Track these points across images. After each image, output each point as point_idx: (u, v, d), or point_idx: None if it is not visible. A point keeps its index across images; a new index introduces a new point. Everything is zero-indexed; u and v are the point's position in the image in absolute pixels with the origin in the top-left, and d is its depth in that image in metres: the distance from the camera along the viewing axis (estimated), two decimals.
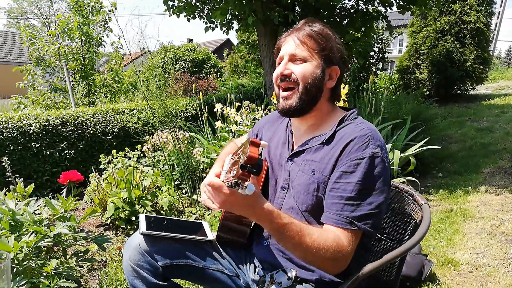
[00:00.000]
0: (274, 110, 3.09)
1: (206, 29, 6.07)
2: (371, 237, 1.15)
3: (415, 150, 3.89)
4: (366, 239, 1.13)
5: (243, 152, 0.88)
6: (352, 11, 5.59)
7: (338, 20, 5.51)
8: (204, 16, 5.98)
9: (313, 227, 1.07)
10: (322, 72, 1.19)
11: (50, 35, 7.52)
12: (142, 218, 1.37)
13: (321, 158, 1.16)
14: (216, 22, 6.03)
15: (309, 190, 1.16)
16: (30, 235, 1.65)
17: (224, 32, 6.26)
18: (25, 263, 1.64)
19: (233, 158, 0.94)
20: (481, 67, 9.30)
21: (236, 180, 0.86)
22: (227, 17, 5.49)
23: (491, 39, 10.50)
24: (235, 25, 6.23)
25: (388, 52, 10.29)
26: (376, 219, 1.07)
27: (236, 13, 5.04)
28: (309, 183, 1.16)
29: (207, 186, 0.99)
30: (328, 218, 1.08)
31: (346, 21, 5.49)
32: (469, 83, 9.75)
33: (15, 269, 1.59)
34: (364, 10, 5.57)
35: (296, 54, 1.19)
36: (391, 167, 3.53)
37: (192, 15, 5.99)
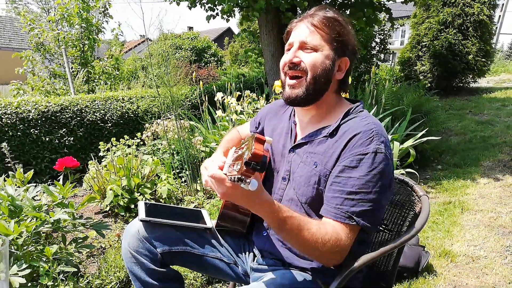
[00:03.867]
0: (275, 99, 3.08)
1: (208, 18, 6.01)
2: (370, 233, 1.14)
3: (414, 141, 3.89)
4: (365, 233, 1.12)
5: (247, 148, 0.87)
6: (354, 0, 5.53)
7: (341, 9, 5.46)
8: (204, 4, 5.92)
9: (313, 220, 1.06)
10: (332, 63, 1.15)
11: (49, 21, 7.43)
12: (141, 205, 1.37)
13: (324, 151, 1.14)
14: (217, 10, 5.97)
15: (310, 182, 1.15)
16: (29, 221, 1.65)
17: (225, 20, 6.19)
18: (24, 248, 1.65)
19: (237, 151, 0.93)
20: (483, 60, 9.26)
21: (239, 176, 0.85)
22: (231, 4, 5.43)
23: (494, 32, 10.43)
24: (237, 13, 6.16)
25: (390, 44, 10.22)
26: (376, 216, 1.06)
27: (239, 0, 4.98)
28: (311, 175, 1.15)
29: (210, 177, 0.98)
30: (328, 212, 1.08)
31: (349, 10, 5.44)
32: (470, 76, 9.72)
33: (14, 254, 1.60)
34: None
35: (307, 42, 1.14)
36: None
37: (193, 3, 5.92)
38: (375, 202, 1.05)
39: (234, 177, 0.87)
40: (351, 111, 1.19)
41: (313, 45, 1.14)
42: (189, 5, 5.95)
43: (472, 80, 10.01)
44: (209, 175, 0.97)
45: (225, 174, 0.94)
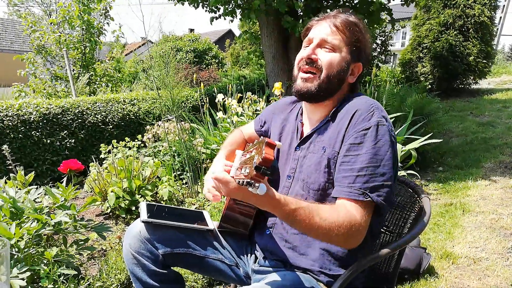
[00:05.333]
0: (274, 101, 3.07)
1: (212, 19, 6.02)
2: (383, 213, 1.11)
3: (417, 145, 3.88)
4: (376, 217, 1.10)
5: (257, 153, 0.86)
6: (356, 2, 5.53)
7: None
8: (207, 5, 5.93)
9: (323, 206, 1.04)
10: (347, 65, 1.18)
11: (51, 23, 7.45)
12: (143, 206, 1.37)
13: (330, 135, 1.16)
14: (219, 11, 5.98)
15: (320, 168, 1.15)
16: (31, 223, 1.66)
17: (228, 21, 6.21)
18: (25, 250, 1.65)
19: (245, 154, 0.93)
20: (484, 61, 9.25)
21: (248, 180, 0.85)
22: (230, 5, 5.44)
23: (495, 33, 10.43)
24: (238, 15, 6.18)
25: (391, 45, 10.23)
26: (389, 192, 1.05)
27: (239, 1, 4.99)
28: (320, 160, 1.16)
29: (213, 179, 0.97)
30: (340, 192, 1.07)
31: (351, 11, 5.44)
32: (471, 77, 9.71)
33: (15, 256, 1.60)
34: (369, 0, 5.51)
35: (328, 40, 1.16)
36: None
37: (195, 4, 5.94)
38: (387, 177, 1.05)
39: (243, 181, 0.86)
40: (349, 96, 1.22)
41: (333, 45, 1.16)
42: (190, 3, 5.97)
43: (473, 82, 10.00)
44: (214, 177, 0.96)
45: (232, 177, 0.94)
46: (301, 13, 5.32)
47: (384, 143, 1.06)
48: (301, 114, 1.33)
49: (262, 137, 1.04)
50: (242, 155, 0.95)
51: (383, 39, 9.45)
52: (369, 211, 1.05)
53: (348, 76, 1.20)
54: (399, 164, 3.63)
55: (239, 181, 0.87)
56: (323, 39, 1.17)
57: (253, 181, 0.85)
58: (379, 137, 1.06)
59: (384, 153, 1.06)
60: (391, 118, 4.10)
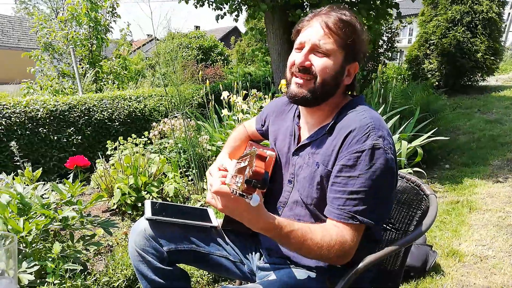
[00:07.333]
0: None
1: (217, 18, 6.02)
2: (378, 230, 1.12)
3: (422, 141, 3.86)
4: (373, 231, 1.10)
5: (249, 164, 0.85)
6: None
7: (349, 6, 5.42)
8: (212, 2, 5.93)
9: (317, 227, 1.04)
10: (342, 69, 1.12)
11: (59, 21, 7.49)
12: (147, 204, 1.37)
13: (325, 151, 1.12)
14: (225, 9, 5.97)
15: (313, 183, 1.13)
16: (38, 218, 1.67)
17: (233, 19, 6.20)
18: (33, 245, 1.67)
19: (239, 162, 0.92)
20: (492, 58, 9.16)
21: (240, 192, 0.85)
22: (235, 2, 5.43)
23: (503, 30, 10.31)
24: (244, 12, 6.17)
25: (398, 42, 10.15)
26: (380, 212, 1.05)
27: None
28: (313, 176, 1.13)
29: (214, 193, 0.96)
30: (331, 213, 1.06)
31: (357, 8, 5.40)
32: (479, 74, 9.62)
33: (23, 251, 1.61)
34: None
35: (320, 45, 1.09)
36: (399, 158, 3.51)
37: (201, 2, 5.94)
38: (378, 199, 1.04)
39: (236, 192, 0.86)
40: (349, 105, 1.16)
41: (325, 50, 1.09)
42: (195, 4, 5.97)
43: (481, 79, 9.91)
44: (213, 191, 0.95)
45: (228, 185, 0.93)
46: (310, 8, 5.30)
47: (378, 167, 1.02)
48: (298, 116, 1.29)
49: (254, 147, 1.04)
50: (237, 162, 0.94)
51: (390, 35, 9.36)
52: (360, 232, 1.05)
53: (344, 78, 1.14)
54: (405, 161, 3.62)
55: (233, 190, 0.88)
56: (315, 44, 1.09)
57: (244, 194, 0.85)
58: (373, 162, 1.02)
59: (377, 177, 1.02)
60: (397, 114, 4.07)
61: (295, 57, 1.14)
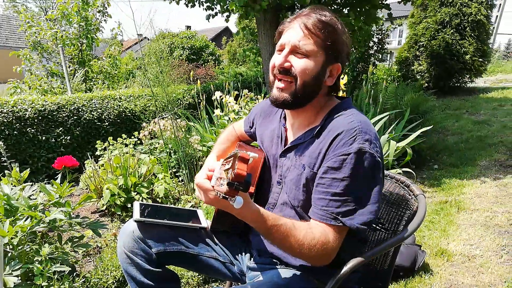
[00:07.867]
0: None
1: (208, 17, 6.00)
2: (361, 233, 1.11)
3: (411, 140, 3.89)
4: (358, 231, 1.10)
5: (231, 166, 0.86)
6: None
7: (340, 8, 5.45)
8: (203, 3, 5.91)
9: (302, 225, 1.05)
10: (323, 69, 1.11)
11: (48, 20, 7.39)
12: (136, 206, 1.37)
13: (311, 153, 1.12)
14: (216, 8, 5.96)
15: (299, 185, 1.14)
16: (25, 220, 1.65)
17: (225, 20, 6.19)
18: (20, 247, 1.64)
19: (224, 164, 0.92)
20: (480, 60, 9.28)
21: (223, 195, 0.85)
22: (227, 2, 5.41)
23: (491, 32, 10.46)
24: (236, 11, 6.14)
25: (388, 43, 10.23)
26: (363, 215, 1.04)
27: None
28: (299, 178, 1.14)
29: (196, 185, 1.00)
30: (314, 214, 1.07)
31: (347, 9, 5.43)
32: (467, 76, 9.74)
33: (9, 254, 1.59)
34: None
35: (299, 46, 1.08)
36: (387, 158, 3.53)
37: (191, 2, 5.92)
38: (361, 202, 1.04)
39: (220, 194, 0.87)
40: (336, 108, 1.17)
41: (305, 51, 1.09)
42: (186, 3, 5.94)
43: (469, 80, 10.03)
44: (196, 183, 0.99)
45: (212, 187, 0.94)
46: (298, 8, 5.31)
47: (363, 171, 1.03)
48: (284, 117, 1.29)
49: (237, 149, 1.04)
50: (222, 164, 0.94)
51: (380, 37, 9.44)
52: (342, 235, 1.05)
53: (325, 79, 1.14)
54: (394, 161, 3.64)
55: (217, 193, 0.88)
56: (295, 45, 1.09)
57: (227, 196, 0.85)
58: (358, 165, 1.02)
59: (361, 180, 1.03)
60: (388, 115, 4.11)
61: (276, 59, 1.14)
